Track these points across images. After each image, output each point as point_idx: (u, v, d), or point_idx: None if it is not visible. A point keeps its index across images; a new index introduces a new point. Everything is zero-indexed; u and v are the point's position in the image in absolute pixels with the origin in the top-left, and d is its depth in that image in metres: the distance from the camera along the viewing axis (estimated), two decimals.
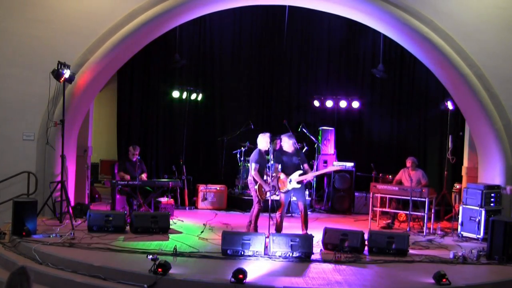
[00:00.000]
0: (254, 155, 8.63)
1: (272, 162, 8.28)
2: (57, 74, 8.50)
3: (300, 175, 8.32)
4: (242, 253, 7.12)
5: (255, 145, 11.85)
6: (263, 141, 8.59)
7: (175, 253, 6.98)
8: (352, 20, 10.72)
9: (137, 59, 11.92)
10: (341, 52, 13.45)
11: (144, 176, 9.93)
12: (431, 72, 10.49)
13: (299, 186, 8.32)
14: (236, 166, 12.28)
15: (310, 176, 8.64)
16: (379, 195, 10.02)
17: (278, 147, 11.12)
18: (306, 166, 8.47)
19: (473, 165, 10.59)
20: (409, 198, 9.44)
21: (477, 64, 9.28)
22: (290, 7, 12.00)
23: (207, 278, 6.17)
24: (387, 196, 9.94)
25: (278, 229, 8.34)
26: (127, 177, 9.57)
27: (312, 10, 10.85)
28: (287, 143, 8.52)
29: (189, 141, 12.74)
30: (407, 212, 9.69)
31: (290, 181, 8.36)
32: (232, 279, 5.95)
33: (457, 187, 10.87)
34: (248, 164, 11.66)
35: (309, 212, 11.50)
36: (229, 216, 10.70)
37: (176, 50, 12.20)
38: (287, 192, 8.40)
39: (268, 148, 8.43)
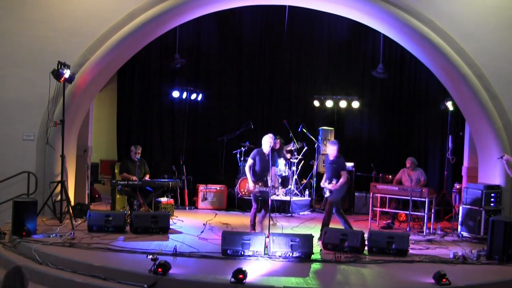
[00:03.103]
0: (252, 152, 8.67)
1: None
2: (57, 74, 8.51)
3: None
4: (242, 253, 7.12)
5: (255, 145, 11.92)
6: (263, 143, 8.51)
7: (175, 253, 6.99)
8: (352, 20, 10.72)
9: (137, 59, 11.93)
10: (341, 52, 13.45)
11: (147, 177, 9.92)
12: (431, 72, 10.49)
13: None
14: (236, 166, 12.29)
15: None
16: (379, 195, 10.03)
17: (278, 146, 11.16)
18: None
19: (473, 165, 10.59)
20: (409, 198, 9.45)
21: (477, 64, 9.28)
22: (290, 7, 12.00)
23: (207, 278, 6.17)
24: (387, 196, 9.94)
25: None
26: (134, 178, 9.54)
27: (312, 10, 10.85)
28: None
29: (189, 141, 12.74)
30: (407, 212, 9.69)
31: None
32: (232, 279, 5.95)
33: (457, 187, 10.87)
34: None
35: (309, 212, 11.60)
36: (229, 216, 10.69)
37: (176, 50, 12.20)
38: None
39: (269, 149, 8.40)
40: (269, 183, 8.29)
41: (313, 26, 13.36)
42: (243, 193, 8.61)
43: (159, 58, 12.77)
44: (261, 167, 8.41)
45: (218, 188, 11.61)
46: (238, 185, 8.66)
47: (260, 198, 8.31)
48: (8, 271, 3.55)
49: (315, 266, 6.97)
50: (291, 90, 13.59)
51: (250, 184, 8.40)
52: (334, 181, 8.64)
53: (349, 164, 11.72)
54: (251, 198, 8.55)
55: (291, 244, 7.16)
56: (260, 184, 8.34)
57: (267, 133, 8.57)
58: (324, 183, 8.84)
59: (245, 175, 8.68)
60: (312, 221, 10.48)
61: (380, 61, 12.47)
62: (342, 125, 13.26)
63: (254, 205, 8.52)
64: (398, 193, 9.75)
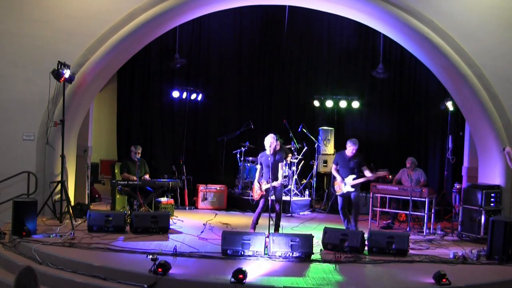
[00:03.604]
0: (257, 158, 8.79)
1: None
2: (57, 74, 8.51)
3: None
4: (242, 253, 7.12)
5: (255, 145, 11.93)
6: (265, 144, 8.51)
7: (175, 253, 6.99)
8: (352, 20, 10.72)
9: (137, 59, 11.92)
10: (341, 52, 13.44)
11: (146, 176, 9.93)
12: (431, 72, 10.49)
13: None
14: (236, 166, 12.29)
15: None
16: (379, 195, 10.02)
17: (278, 147, 11.13)
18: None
19: (473, 165, 10.59)
20: (409, 198, 9.44)
21: (477, 64, 9.29)
22: (290, 7, 12.00)
23: (207, 278, 6.18)
24: (387, 196, 9.94)
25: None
26: (134, 178, 9.54)
27: (312, 10, 10.85)
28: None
29: (189, 141, 12.73)
30: (407, 212, 9.69)
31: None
32: (232, 279, 5.95)
33: (457, 187, 10.87)
34: (248, 164, 11.72)
35: (309, 212, 11.60)
36: (229, 216, 10.69)
37: (176, 50, 12.20)
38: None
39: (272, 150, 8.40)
40: (279, 179, 8.34)
41: (313, 26, 13.36)
42: (256, 197, 8.69)
43: (159, 58, 12.76)
44: (267, 169, 8.44)
45: (218, 188, 11.60)
46: (251, 191, 8.80)
47: (270, 198, 8.34)
48: (20, 271, 3.53)
49: (315, 266, 6.96)
50: (291, 90, 13.59)
51: (257, 188, 8.51)
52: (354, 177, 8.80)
53: None
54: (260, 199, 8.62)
55: (291, 244, 7.16)
56: (266, 184, 8.37)
57: (267, 133, 8.59)
58: (342, 181, 8.81)
59: (248, 175, 8.74)
60: (312, 221, 10.48)
61: (380, 61, 12.47)
62: (342, 125, 13.25)
63: (260, 206, 8.53)
64: (398, 193, 9.75)
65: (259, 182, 8.52)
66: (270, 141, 8.37)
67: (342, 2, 9.80)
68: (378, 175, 9.15)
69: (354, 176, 8.82)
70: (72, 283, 6.21)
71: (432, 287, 6.20)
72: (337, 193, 8.98)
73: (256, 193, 8.58)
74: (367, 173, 8.86)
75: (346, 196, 8.88)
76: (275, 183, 8.32)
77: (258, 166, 8.65)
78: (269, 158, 8.35)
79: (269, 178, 8.33)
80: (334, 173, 9.11)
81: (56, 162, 9.19)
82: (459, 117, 11.08)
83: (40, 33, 9.18)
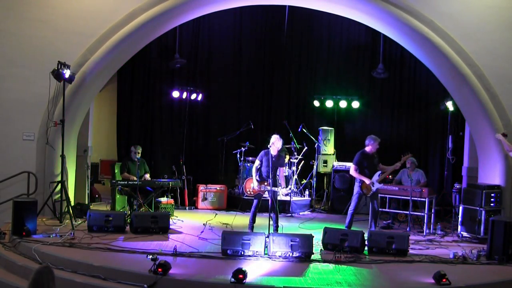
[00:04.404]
0: (260, 153, 8.79)
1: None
2: (57, 74, 8.51)
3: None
4: (242, 253, 7.12)
5: (255, 145, 11.92)
6: (270, 144, 8.58)
7: (175, 253, 6.99)
8: (352, 20, 10.72)
9: (137, 59, 11.92)
10: (341, 52, 13.44)
11: (147, 176, 9.94)
12: (431, 72, 10.49)
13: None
14: (236, 166, 12.29)
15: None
16: (379, 195, 10.00)
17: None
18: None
19: (473, 165, 10.59)
20: (409, 198, 9.44)
21: (477, 64, 9.29)
22: (290, 7, 12.00)
23: (207, 278, 6.17)
24: (387, 196, 9.94)
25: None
26: (134, 178, 9.54)
27: (312, 10, 10.85)
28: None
29: (189, 141, 12.73)
30: (407, 212, 9.69)
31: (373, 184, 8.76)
32: (232, 279, 5.95)
33: (457, 187, 10.87)
34: (248, 164, 11.73)
35: (309, 212, 11.60)
36: (229, 216, 10.66)
37: (176, 50, 12.20)
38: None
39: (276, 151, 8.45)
40: (278, 183, 8.34)
41: (313, 26, 13.36)
42: (248, 192, 8.73)
43: (159, 58, 12.77)
44: (266, 168, 8.44)
45: (218, 188, 11.60)
46: (244, 185, 8.80)
47: (270, 198, 8.35)
48: (38, 270, 3.50)
49: (315, 266, 6.96)
50: (291, 90, 13.58)
51: (255, 184, 8.52)
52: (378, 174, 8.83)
53: (349, 164, 11.71)
54: (254, 198, 8.61)
55: (291, 244, 7.16)
56: (265, 184, 8.38)
57: (267, 133, 8.61)
58: (369, 181, 8.80)
59: (248, 175, 8.75)
60: (312, 221, 10.48)
61: (380, 61, 12.47)
62: (342, 125, 13.25)
63: (254, 205, 8.56)
64: (398, 193, 9.75)
65: (257, 179, 8.52)
66: (272, 141, 8.44)
67: (342, 2, 9.80)
68: (404, 160, 9.10)
69: (379, 172, 8.84)
70: (72, 283, 6.21)
71: (432, 287, 6.20)
72: (367, 195, 8.89)
73: (251, 188, 8.60)
74: (396, 164, 8.98)
75: (373, 194, 8.84)
76: (280, 191, 8.36)
77: (257, 161, 8.64)
78: (272, 159, 8.37)
79: (266, 177, 8.34)
80: (357, 175, 8.90)
81: (56, 162, 9.19)
82: (459, 117, 11.08)
83: (40, 33, 9.18)
